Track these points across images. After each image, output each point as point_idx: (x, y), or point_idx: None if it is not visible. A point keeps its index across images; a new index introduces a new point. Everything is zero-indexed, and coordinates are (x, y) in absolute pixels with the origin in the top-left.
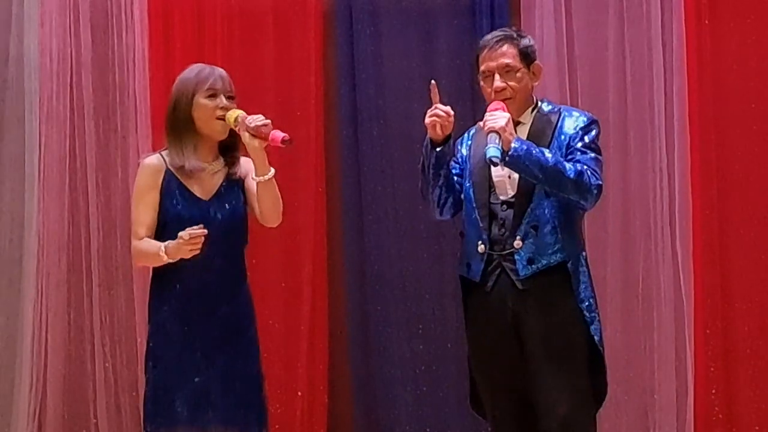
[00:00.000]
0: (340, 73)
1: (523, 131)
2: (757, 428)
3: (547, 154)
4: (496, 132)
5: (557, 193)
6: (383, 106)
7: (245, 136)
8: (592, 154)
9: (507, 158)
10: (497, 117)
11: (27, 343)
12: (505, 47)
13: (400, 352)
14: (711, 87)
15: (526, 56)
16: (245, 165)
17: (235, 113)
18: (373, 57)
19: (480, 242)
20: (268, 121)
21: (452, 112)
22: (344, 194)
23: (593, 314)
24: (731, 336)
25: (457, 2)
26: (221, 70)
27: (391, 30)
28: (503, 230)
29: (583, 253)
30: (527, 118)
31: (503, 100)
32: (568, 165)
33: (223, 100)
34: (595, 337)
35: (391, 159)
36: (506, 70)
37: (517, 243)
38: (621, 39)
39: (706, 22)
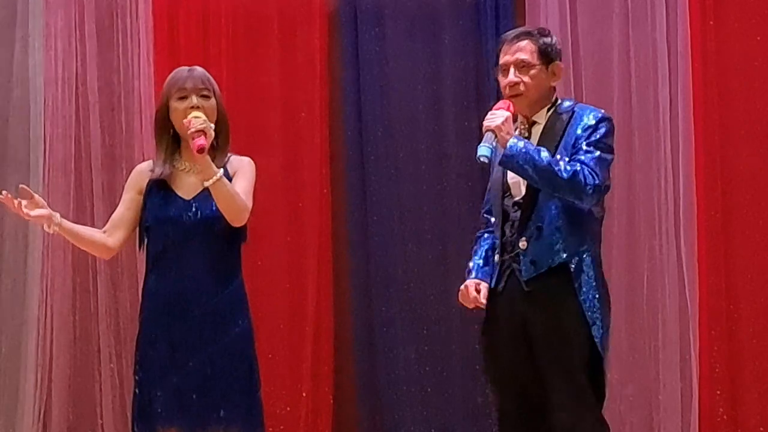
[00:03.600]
0: (345, 75)
1: (538, 131)
2: (761, 429)
3: (543, 153)
4: (492, 131)
5: (553, 193)
6: (388, 107)
7: (190, 140)
8: (596, 153)
9: (502, 157)
10: (496, 116)
11: (32, 344)
12: (523, 42)
13: (404, 353)
14: (716, 87)
15: (545, 54)
16: (236, 163)
17: (190, 115)
18: (377, 58)
19: (497, 249)
20: (204, 125)
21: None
22: (349, 196)
23: (596, 315)
24: (736, 337)
25: (461, 3)
26: (198, 69)
27: (396, 31)
28: (512, 231)
29: (589, 253)
30: (542, 117)
31: (514, 96)
32: (563, 164)
33: (193, 100)
34: (596, 340)
35: (396, 160)
36: (521, 65)
37: (522, 244)
38: (626, 40)
39: (711, 22)
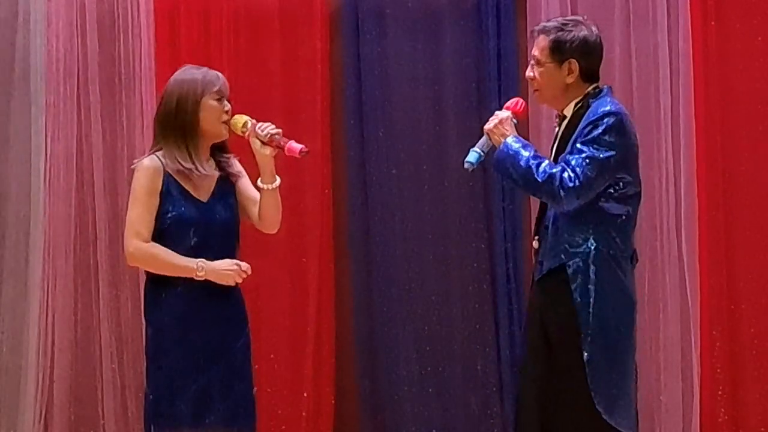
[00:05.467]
0: (346, 75)
1: (564, 125)
2: (763, 430)
3: (525, 155)
4: (486, 133)
5: (534, 197)
6: (389, 108)
7: (255, 143)
8: (586, 153)
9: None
10: (495, 117)
11: (33, 344)
12: (539, 38)
13: (406, 353)
14: (717, 88)
15: (556, 51)
16: (237, 166)
17: (242, 119)
18: (378, 58)
19: None
20: (280, 129)
21: None
22: (350, 196)
23: (588, 324)
24: (737, 337)
25: (462, 3)
26: (223, 76)
27: (397, 31)
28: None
29: (591, 255)
30: (570, 111)
31: (534, 90)
32: (542, 167)
33: (227, 104)
34: (583, 353)
35: (397, 160)
36: (535, 62)
37: (534, 243)
38: (627, 40)
39: (713, 23)
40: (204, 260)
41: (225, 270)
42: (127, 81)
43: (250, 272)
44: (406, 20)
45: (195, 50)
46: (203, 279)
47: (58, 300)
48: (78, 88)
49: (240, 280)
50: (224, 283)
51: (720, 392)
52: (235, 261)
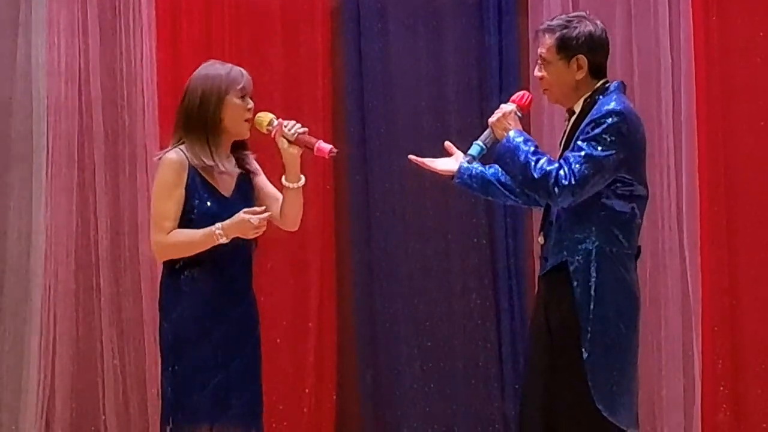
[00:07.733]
0: (348, 71)
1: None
2: (764, 426)
3: (524, 149)
4: (490, 126)
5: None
6: (390, 104)
7: (282, 142)
8: (584, 151)
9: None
10: (499, 110)
11: (35, 341)
12: (544, 37)
13: (407, 349)
14: (719, 84)
15: (564, 48)
16: (253, 163)
17: (267, 116)
18: (380, 55)
19: None
20: (306, 128)
21: None
22: (352, 192)
23: (588, 322)
24: (738, 333)
25: (464, 0)
26: (246, 73)
27: (399, 28)
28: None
29: (593, 252)
30: (579, 107)
31: (544, 90)
32: (539, 163)
33: (250, 102)
34: (583, 352)
35: (399, 157)
36: (542, 60)
37: (540, 239)
38: (628, 36)
39: (714, 18)
40: (219, 224)
41: (242, 226)
42: (128, 79)
43: (266, 216)
44: (408, 17)
45: (197, 47)
46: (227, 241)
47: (60, 297)
48: (79, 87)
49: (261, 230)
50: (247, 236)
51: (721, 388)
52: (243, 215)
